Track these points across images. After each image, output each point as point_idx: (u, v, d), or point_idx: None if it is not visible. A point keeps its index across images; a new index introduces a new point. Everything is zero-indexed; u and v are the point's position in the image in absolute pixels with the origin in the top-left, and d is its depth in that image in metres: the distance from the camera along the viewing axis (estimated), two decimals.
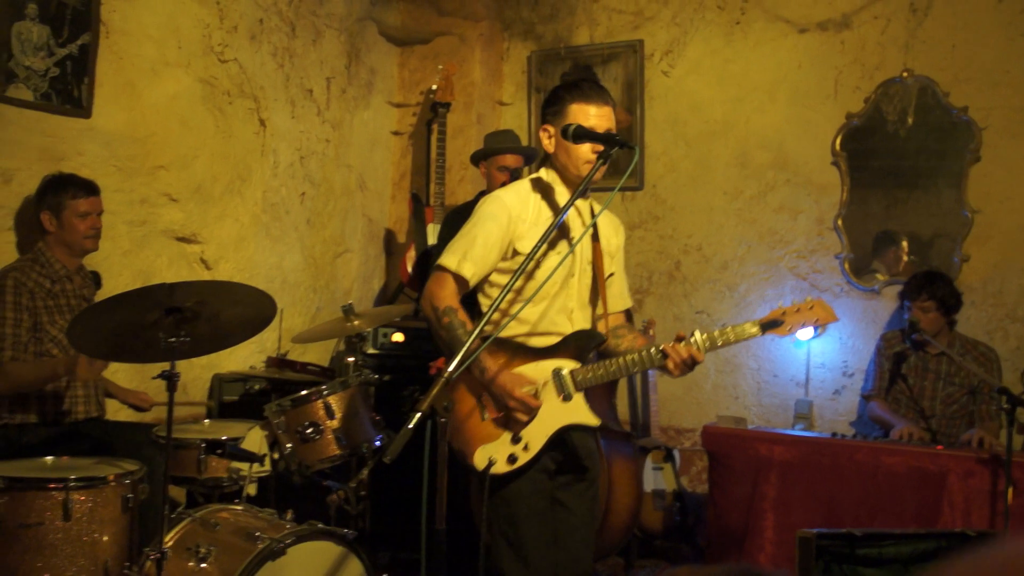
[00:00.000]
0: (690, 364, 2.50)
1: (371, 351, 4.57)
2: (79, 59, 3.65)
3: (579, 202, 2.67)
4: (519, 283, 2.49)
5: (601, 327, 2.71)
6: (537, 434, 2.53)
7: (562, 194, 2.65)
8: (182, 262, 4.21)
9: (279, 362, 4.17)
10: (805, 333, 4.68)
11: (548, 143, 2.64)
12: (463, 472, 2.59)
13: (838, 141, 4.67)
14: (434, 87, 5.12)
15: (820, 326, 2.58)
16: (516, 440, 2.52)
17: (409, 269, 4.87)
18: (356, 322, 3.54)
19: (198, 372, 4.19)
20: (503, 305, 2.51)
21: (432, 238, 4.69)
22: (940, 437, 3.90)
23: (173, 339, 2.63)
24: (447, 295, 2.56)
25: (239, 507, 2.97)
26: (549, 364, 2.57)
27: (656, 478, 4.55)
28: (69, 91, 3.63)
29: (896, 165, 4.56)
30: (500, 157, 4.14)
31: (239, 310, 2.81)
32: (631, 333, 2.78)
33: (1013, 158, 4.34)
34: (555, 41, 5.42)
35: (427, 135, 5.21)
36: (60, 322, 3.30)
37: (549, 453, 2.56)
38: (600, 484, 3.09)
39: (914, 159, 4.52)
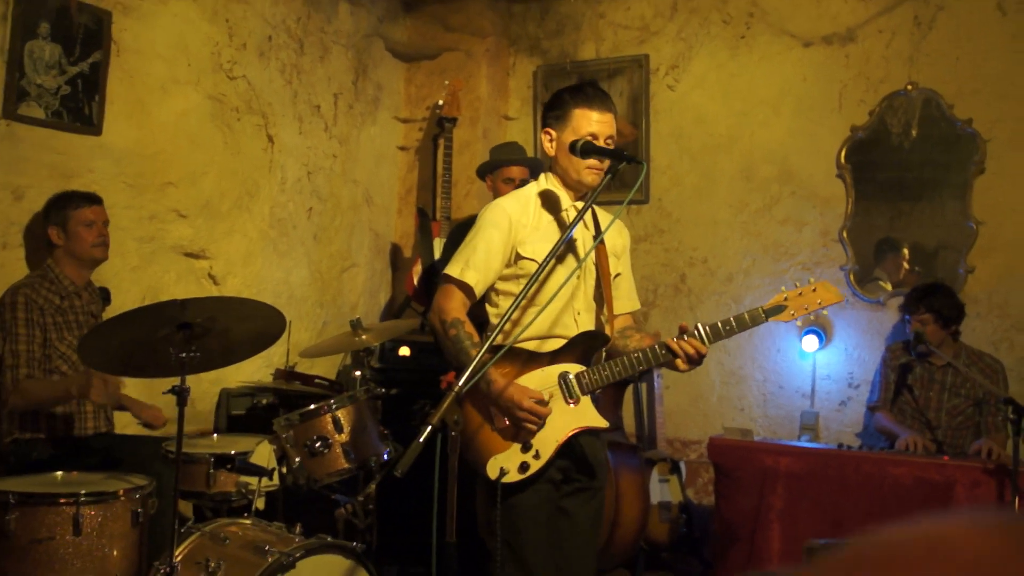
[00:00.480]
0: (696, 357, 2.51)
1: (377, 365, 4.58)
2: (90, 77, 3.69)
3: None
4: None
5: (607, 328, 2.72)
6: (548, 441, 2.54)
7: (563, 199, 2.67)
8: (190, 277, 4.24)
9: (287, 374, 4.18)
10: (810, 343, 4.62)
11: (549, 146, 2.66)
12: (471, 484, 2.60)
13: (843, 154, 4.69)
14: (440, 102, 5.15)
15: (824, 308, 2.59)
16: (527, 448, 2.54)
17: (415, 283, 4.89)
18: (364, 336, 3.55)
19: (206, 387, 4.21)
20: (513, 315, 2.53)
21: (438, 252, 4.72)
22: (946, 448, 3.89)
23: (184, 354, 2.65)
24: (454, 307, 2.58)
25: (248, 521, 2.98)
26: (555, 369, 2.59)
27: (662, 490, 4.55)
28: (80, 109, 3.67)
29: (901, 177, 4.57)
30: (506, 169, 4.17)
31: (249, 325, 2.84)
32: (639, 333, 2.79)
33: (1017, 170, 4.35)
34: (561, 56, 5.46)
35: (433, 150, 5.25)
36: (69, 338, 3.32)
37: (557, 463, 2.58)
38: (607, 496, 3.09)
39: (919, 171, 4.54)
